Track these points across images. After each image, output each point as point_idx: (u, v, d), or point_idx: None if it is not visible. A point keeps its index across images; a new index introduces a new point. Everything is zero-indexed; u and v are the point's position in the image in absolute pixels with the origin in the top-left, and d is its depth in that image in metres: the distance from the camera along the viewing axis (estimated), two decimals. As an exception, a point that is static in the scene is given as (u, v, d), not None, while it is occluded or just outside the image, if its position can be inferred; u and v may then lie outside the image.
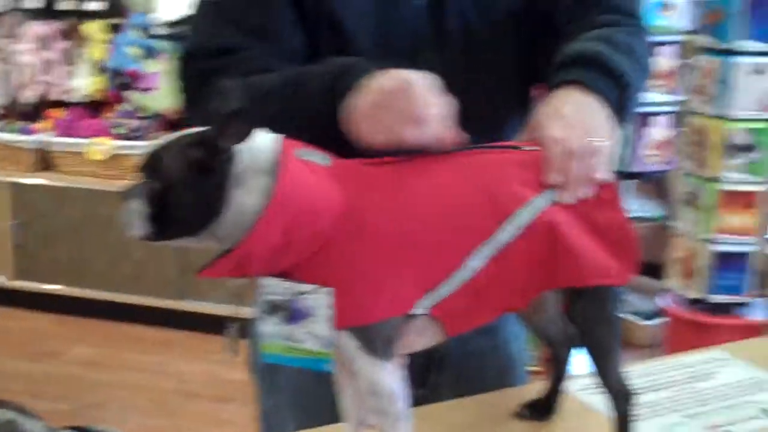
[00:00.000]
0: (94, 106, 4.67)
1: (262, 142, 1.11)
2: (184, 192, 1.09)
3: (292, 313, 1.10)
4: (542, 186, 1.18)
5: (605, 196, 1.21)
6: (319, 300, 1.09)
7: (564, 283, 1.20)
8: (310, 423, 1.38)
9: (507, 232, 1.15)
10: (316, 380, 1.34)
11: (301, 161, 1.11)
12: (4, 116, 4.80)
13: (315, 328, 1.10)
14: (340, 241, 1.10)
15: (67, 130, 4.51)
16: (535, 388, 1.44)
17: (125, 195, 1.12)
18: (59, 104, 4.72)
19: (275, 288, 1.11)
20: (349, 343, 1.12)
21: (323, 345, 1.11)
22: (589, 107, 1.24)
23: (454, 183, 1.16)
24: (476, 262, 1.15)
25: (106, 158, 4.40)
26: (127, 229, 1.12)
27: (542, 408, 1.41)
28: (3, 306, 4.63)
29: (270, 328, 1.12)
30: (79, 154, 4.45)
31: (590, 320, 1.22)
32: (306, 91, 1.27)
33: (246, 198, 1.09)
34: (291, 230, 1.08)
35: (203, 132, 1.09)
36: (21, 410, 1.09)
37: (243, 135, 1.07)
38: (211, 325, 4.45)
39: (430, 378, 1.49)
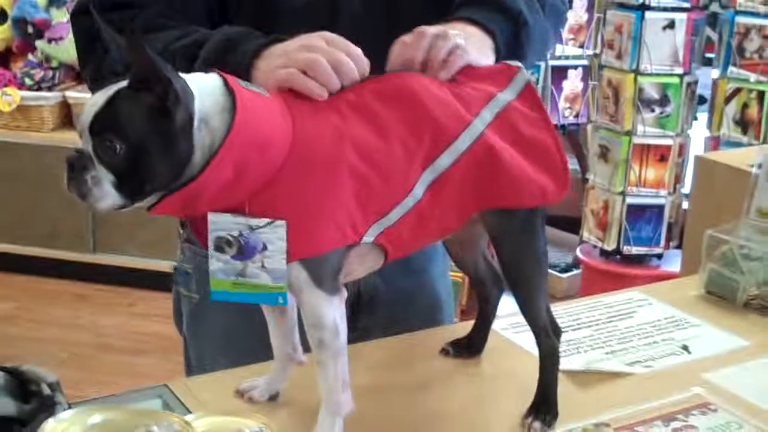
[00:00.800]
0: (0, 57, 4.53)
1: (208, 80, 1.08)
2: (151, 145, 1.03)
3: (244, 249, 1.08)
4: (477, 108, 1.18)
5: (534, 112, 1.22)
6: (272, 233, 1.08)
7: (500, 203, 1.19)
8: (238, 364, 1.38)
9: (448, 157, 1.16)
10: (242, 321, 1.34)
11: (250, 92, 1.09)
12: None
13: (268, 262, 1.09)
14: (290, 173, 1.08)
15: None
16: (463, 327, 1.46)
17: (77, 165, 1.04)
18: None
19: (225, 224, 1.08)
20: (299, 275, 1.10)
21: (276, 279, 1.09)
22: (463, 29, 1.26)
23: (393, 110, 1.15)
24: (420, 188, 1.15)
25: (14, 109, 4.28)
26: (93, 202, 1.03)
27: (469, 346, 1.43)
28: None
29: (220, 265, 1.09)
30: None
31: (518, 256, 1.23)
32: (200, 59, 1.25)
33: (212, 138, 1.05)
34: (244, 164, 1.06)
35: (136, 76, 1.03)
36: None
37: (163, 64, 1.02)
38: (126, 278, 4.42)
39: (361, 320, 1.50)
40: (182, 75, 1.06)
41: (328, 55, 1.15)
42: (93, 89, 1.31)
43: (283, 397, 1.27)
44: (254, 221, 1.08)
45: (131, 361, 3.76)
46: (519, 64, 1.24)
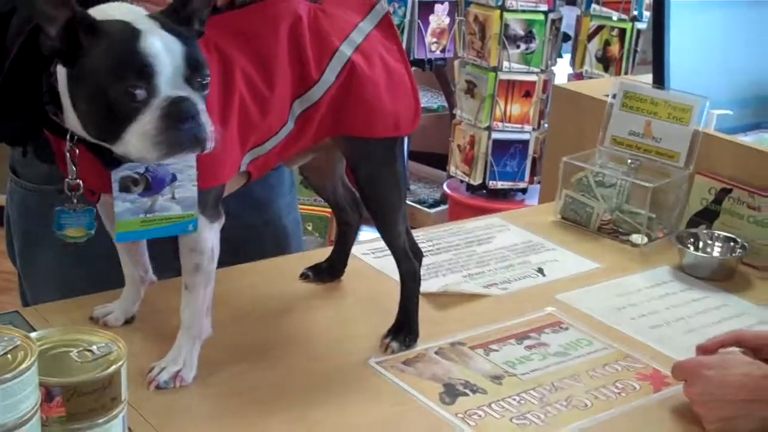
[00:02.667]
0: None
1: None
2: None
3: (151, 184, 1.04)
4: (344, 35, 1.18)
5: (392, 45, 1.23)
6: (182, 162, 1.04)
7: (356, 131, 1.20)
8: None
9: (319, 89, 1.16)
10: (72, 256, 1.31)
11: None
12: None
13: (179, 192, 1.06)
14: None
15: None
16: (322, 253, 1.47)
17: (193, 110, 0.98)
18: None
19: (130, 162, 1.03)
20: None
21: (187, 207, 1.07)
22: None
23: (268, 42, 1.14)
24: (291, 120, 1.16)
25: None
26: (207, 146, 0.99)
27: (329, 270, 1.44)
28: None
29: (126, 205, 1.05)
30: None
31: (376, 179, 1.24)
32: None
33: None
34: None
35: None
36: None
37: None
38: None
39: None
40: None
41: None
42: None
43: (137, 322, 1.26)
44: None
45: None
46: None
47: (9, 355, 0.74)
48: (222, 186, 1.13)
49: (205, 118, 0.98)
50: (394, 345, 1.25)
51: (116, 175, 1.03)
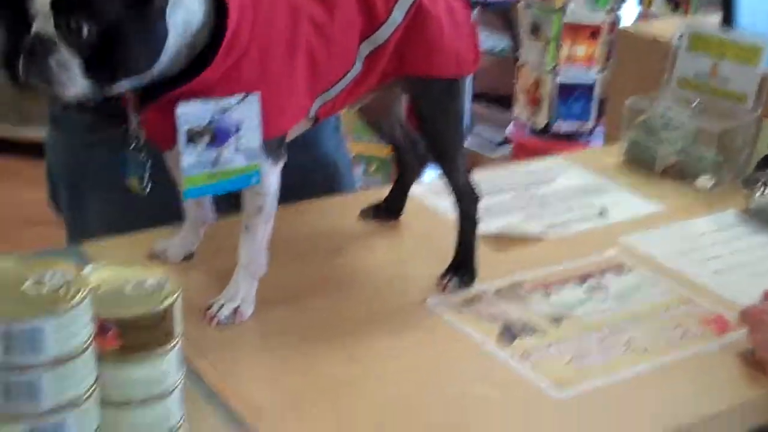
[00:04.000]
0: None
1: None
2: (125, 27, 0.95)
3: (216, 134, 1.03)
4: None
5: None
6: (246, 110, 1.03)
7: (421, 70, 1.19)
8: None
9: (386, 29, 1.14)
10: (123, 202, 1.30)
11: None
12: None
13: (242, 142, 1.05)
14: (254, 50, 1.04)
15: None
16: (380, 192, 1.46)
17: (38, 50, 0.94)
18: None
19: (195, 113, 1.02)
20: None
21: (251, 157, 1.06)
22: None
23: None
24: (359, 61, 1.14)
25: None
26: (59, 89, 0.95)
27: (387, 209, 1.43)
28: None
29: (193, 158, 1.03)
30: None
31: (437, 115, 1.23)
32: None
33: (187, 22, 1.00)
34: (235, 41, 1.02)
35: None
36: None
37: None
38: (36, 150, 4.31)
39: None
40: None
41: None
42: None
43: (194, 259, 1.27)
44: (226, 102, 1.03)
45: (55, 233, 3.71)
46: None
47: (62, 290, 0.74)
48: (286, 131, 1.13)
49: (54, 59, 0.94)
50: (452, 284, 1.24)
51: (182, 127, 1.02)
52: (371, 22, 1.14)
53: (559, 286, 1.26)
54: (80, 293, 0.74)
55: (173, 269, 1.23)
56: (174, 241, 1.27)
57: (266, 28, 1.06)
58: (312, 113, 1.15)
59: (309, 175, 1.53)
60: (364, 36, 1.14)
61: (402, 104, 1.35)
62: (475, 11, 3.98)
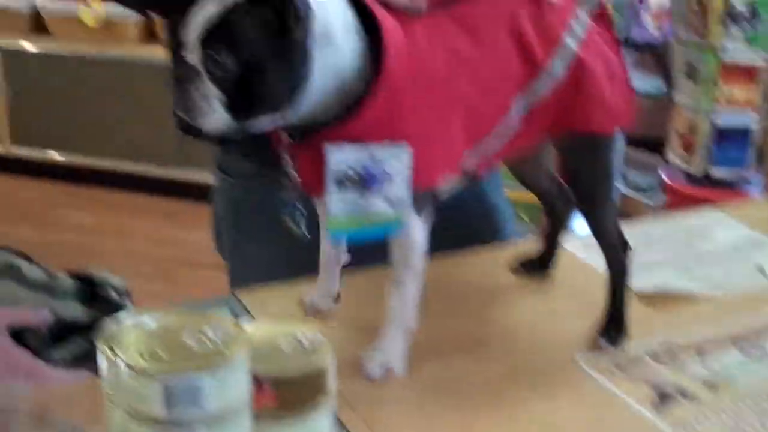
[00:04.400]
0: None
1: (331, 0, 1.03)
2: (266, 63, 0.97)
3: (365, 181, 1.04)
4: (566, 26, 1.15)
5: (608, 34, 1.19)
6: (396, 160, 1.04)
7: (578, 127, 1.18)
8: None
9: (544, 81, 1.14)
10: (281, 248, 1.33)
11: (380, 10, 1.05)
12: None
13: (390, 190, 1.05)
14: (409, 99, 1.04)
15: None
16: (530, 244, 1.45)
17: (183, 79, 0.98)
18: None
19: (346, 157, 1.03)
20: None
21: (397, 207, 1.06)
22: None
23: (493, 32, 1.12)
24: (515, 115, 1.14)
25: (100, 23, 4.32)
26: (199, 119, 0.98)
27: (538, 262, 1.41)
28: (3, 173, 4.63)
29: (339, 202, 1.05)
30: (72, 18, 4.36)
31: (589, 170, 1.22)
32: None
33: (337, 60, 1.02)
34: (396, 92, 1.03)
35: None
36: (23, 255, 1.09)
37: None
38: (210, 194, 4.44)
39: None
40: None
41: None
42: None
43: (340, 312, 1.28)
44: (378, 149, 1.04)
45: (217, 275, 3.82)
46: None
47: (222, 345, 0.76)
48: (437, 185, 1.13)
49: (196, 89, 0.96)
50: (603, 342, 1.22)
51: (332, 169, 1.04)
52: (530, 75, 1.13)
53: (715, 349, 1.23)
54: (238, 349, 0.77)
55: (325, 322, 1.25)
56: (317, 289, 1.28)
57: (423, 78, 1.06)
58: (468, 167, 1.15)
59: (466, 208, 1.52)
60: (521, 89, 1.13)
61: (549, 153, 1.33)
62: (628, 51, 3.89)
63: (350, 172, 1.04)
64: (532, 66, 1.13)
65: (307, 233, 1.15)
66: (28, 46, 4.47)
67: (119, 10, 4.25)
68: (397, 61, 1.03)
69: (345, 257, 1.27)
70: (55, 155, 4.56)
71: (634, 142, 4.52)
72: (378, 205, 1.06)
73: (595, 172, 1.22)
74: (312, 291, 1.29)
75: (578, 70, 1.14)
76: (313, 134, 1.05)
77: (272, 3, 0.96)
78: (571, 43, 1.14)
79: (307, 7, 0.99)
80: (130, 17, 4.29)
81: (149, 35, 4.37)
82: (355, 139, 1.04)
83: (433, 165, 1.09)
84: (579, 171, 1.22)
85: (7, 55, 4.49)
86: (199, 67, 0.97)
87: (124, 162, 4.46)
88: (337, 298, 1.28)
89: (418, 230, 1.12)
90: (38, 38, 4.48)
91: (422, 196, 1.10)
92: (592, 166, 1.21)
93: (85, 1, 4.31)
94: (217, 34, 0.96)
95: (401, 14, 1.08)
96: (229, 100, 0.97)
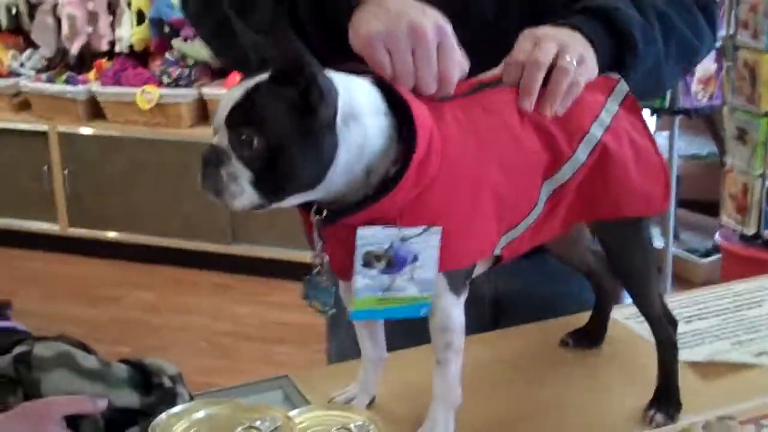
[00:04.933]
0: (138, 56, 4.68)
1: (357, 78, 1.06)
2: (292, 142, 0.99)
3: (393, 262, 1.05)
4: (594, 114, 1.16)
5: (638, 122, 1.20)
6: (424, 243, 1.04)
7: (607, 213, 1.19)
8: None
9: (569, 168, 1.15)
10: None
11: (411, 96, 1.06)
12: (51, 68, 4.84)
13: (418, 272, 1.05)
14: (440, 182, 1.05)
15: (113, 80, 4.54)
16: (579, 318, 1.44)
17: (212, 160, 1.00)
18: (104, 55, 4.74)
19: (376, 237, 1.04)
20: (438, 282, 1.08)
21: (424, 289, 1.07)
22: (570, 35, 1.19)
23: (518, 121, 1.13)
24: (542, 200, 1.15)
25: (154, 107, 4.42)
26: (228, 199, 1.00)
27: (588, 336, 1.41)
28: (59, 252, 4.72)
29: (366, 281, 1.05)
30: (127, 103, 4.47)
31: (625, 250, 1.22)
32: None
33: (363, 140, 1.03)
34: (422, 171, 1.03)
35: (279, 70, 1.00)
36: (77, 344, 1.11)
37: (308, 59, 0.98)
38: (264, 268, 4.51)
39: (502, 324, 1.51)
40: (329, 72, 1.03)
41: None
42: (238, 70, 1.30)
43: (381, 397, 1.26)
44: (407, 231, 1.04)
45: (270, 349, 3.85)
46: (617, 75, 1.21)
47: (272, 435, 0.78)
48: (473, 265, 1.13)
49: (225, 170, 0.99)
50: (659, 417, 1.21)
51: (360, 249, 1.04)
52: (554, 161, 1.14)
53: (771, 420, 1.21)
54: (288, 439, 0.78)
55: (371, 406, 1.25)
56: (355, 387, 1.25)
57: (454, 161, 1.07)
58: (498, 251, 1.14)
59: (555, 307, 1.52)
60: (547, 174, 1.14)
61: (586, 231, 1.33)
62: (679, 117, 3.90)
63: (379, 252, 1.04)
64: (556, 154, 1.14)
65: (330, 312, 1.14)
66: (85, 130, 4.58)
67: (172, 93, 4.39)
68: (428, 147, 1.04)
69: (385, 356, 1.25)
70: (110, 234, 4.64)
71: (688, 204, 4.50)
72: (405, 287, 1.06)
73: (632, 251, 1.22)
74: (346, 392, 1.25)
75: (603, 157, 1.15)
76: (343, 214, 1.06)
77: (297, 83, 0.99)
78: (596, 131, 1.15)
79: (331, 85, 1.01)
80: (182, 99, 4.39)
81: (201, 117, 4.47)
82: (387, 220, 1.04)
83: (464, 248, 1.09)
84: (616, 253, 1.23)
85: (64, 139, 4.61)
86: (227, 148, 1.00)
87: (178, 239, 4.53)
88: (373, 400, 1.25)
89: (455, 309, 1.11)
90: (95, 122, 4.60)
91: (457, 275, 1.10)
92: (628, 247, 1.22)
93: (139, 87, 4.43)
94: (243, 115, 0.99)
95: (429, 99, 1.10)
96: (256, 179, 0.99)
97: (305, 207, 1.08)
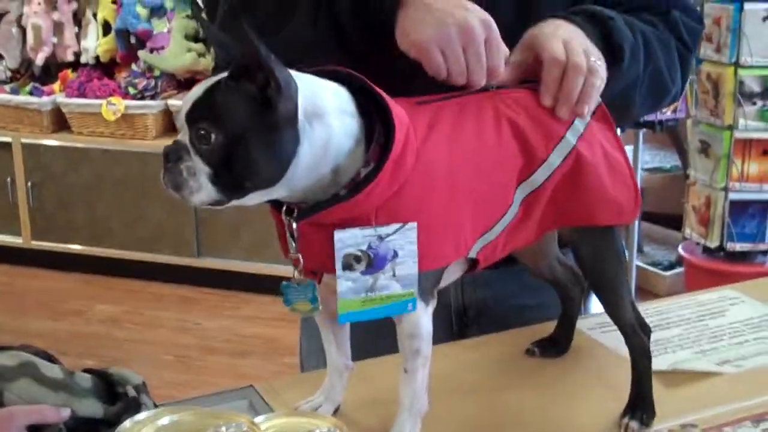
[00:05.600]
0: (104, 67, 4.66)
1: (321, 79, 1.06)
2: (250, 137, 0.99)
3: (374, 261, 1.05)
4: (567, 124, 1.18)
5: (609, 134, 1.21)
6: (403, 239, 1.05)
7: (580, 220, 1.20)
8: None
9: (543, 172, 1.16)
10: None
11: (386, 97, 1.07)
12: (16, 78, 4.80)
13: (399, 269, 1.06)
14: (415, 182, 1.06)
15: (79, 91, 4.52)
16: (546, 327, 1.45)
17: (172, 155, 1.01)
18: (69, 66, 4.71)
19: (353, 239, 1.04)
20: None
21: (407, 285, 1.07)
22: (578, 33, 1.22)
23: (494, 124, 1.14)
24: (516, 203, 1.16)
25: (119, 118, 4.40)
26: (187, 195, 1.00)
27: (554, 345, 1.42)
28: (23, 266, 4.68)
29: (348, 284, 1.05)
30: (93, 114, 4.45)
31: (598, 259, 1.23)
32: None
33: (328, 139, 1.03)
34: (397, 170, 1.04)
35: (238, 66, 1.00)
36: (41, 353, 1.10)
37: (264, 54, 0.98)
38: (231, 281, 4.50)
39: (470, 333, 1.51)
40: (293, 71, 1.03)
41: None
42: None
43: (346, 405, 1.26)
44: (384, 230, 1.05)
45: (235, 363, 3.84)
46: None
47: (237, 441, 0.78)
48: (442, 270, 1.13)
49: (184, 165, 1.00)
50: (634, 425, 1.21)
51: (339, 252, 1.04)
52: (529, 164, 1.15)
53: (733, 427, 1.22)
54: (253, 445, 0.78)
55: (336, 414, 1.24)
56: (321, 396, 1.24)
57: (429, 161, 1.08)
58: (473, 254, 1.15)
59: (527, 318, 1.52)
60: (521, 177, 1.15)
61: (553, 241, 1.35)
62: (643, 131, 3.94)
63: (358, 254, 1.05)
64: (531, 157, 1.15)
65: (317, 309, 1.14)
66: (49, 141, 4.55)
67: (138, 104, 4.37)
68: (403, 143, 1.05)
69: (350, 366, 1.25)
70: (74, 247, 4.61)
71: (652, 217, 4.54)
72: (387, 285, 1.07)
73: (604, 260, 1.23)
74: (311, 401, 1.23)
75: (577, 164, 1.17)
76: (312, 212, 1.06)
77: (253, 77, 0.99)
78: (571, 137, 1.17)
79: (290, 79, 1.01)
80: (148, 111, 4.37)
81: (167, 128, 4.45)
82: (362, 220, 1.05)
83: (439, 248, 1.10)
84: (588, 261, 1.24)
85: (28, 150, 4.57)
86: (188, 144, 1.01)
87: (144, 252, 4.50)
88: (338, 408, 1.24)
89: (423, 316, 1.12)
90: (60, 134, 4.57)
91: (426, 281, 1.10)
92: (600, 257, 1.23)
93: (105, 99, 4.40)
94: (202, 111, 1.00)
95: (406, 101, 1.11)
96: (215, 174, 1.00)
97: (277, 207, 1.08)
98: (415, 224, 1.06)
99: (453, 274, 1.18)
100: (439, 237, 1.09)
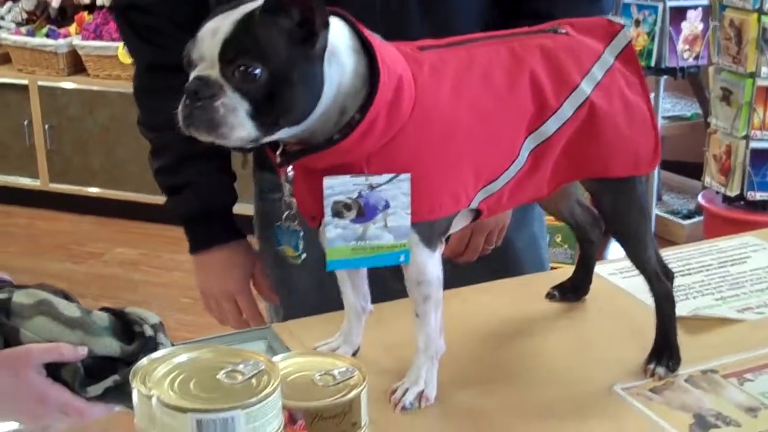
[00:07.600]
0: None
1: (332, 20, 1.02)
2: (294, 73, 0.97)
3: (364, 210, 1.04)
4: (587, 65, 1.15)
5: (633, 76, 1.18)
6: (395, 189, 1.03)
7: (595, 173, 1.18)
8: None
9: (554, 123, 1.13)
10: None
11: (378, 39, 1.05)
12: (32, 20, 4.78)
13: (391, 219, 1.05)
14: (411, 131, 1.04)
15: (95, 34, 4.49)
16: (566, 272, 1.44)
17: (204, 92, 0.96)
18: (85, 8, 4.68)
19: (343, 186, 1.03)
20: (410, 236, 1.07)
21: (399, 236, 1.06)
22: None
23: (509, 71, 1.12)
24: (524, 154, 1.13)
25: (138, 61, 4.36)
26: (226, 133, 0.96)
27: (574, 289, 1.41)
28: (41, 208, 4.69)
29: (338, 231, 1.04)
30: (109, 57, 4.42)
31: (620, 209, 1.21)
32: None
33: (341, 77, 1.01)
34: (391, 117, 1.02)
35: (271, 1, 0.97)
36: (57, 292, 1.09)
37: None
38: (247, 225, 4.46)
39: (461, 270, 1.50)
40: None
41: None
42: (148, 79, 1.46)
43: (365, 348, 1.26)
44: (376, 179, 1.03)
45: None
46: (622, 21, 1.20)
47: (254, 380, 0.77)
48: (447, 221, 1.12)
49: (220, 102, 0.95)
50: (660, 370, 1.20)
51: (329, 199, 1.03)
52: (540, 114, 1.12)
53: (755, 373, 1.21)
54: (271, 384, 0.77)
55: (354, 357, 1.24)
56: (339, 338, 1.25)
57: (428, 110, 1.05)
58: (475, 204, 1.13)
59: (515, 251, 1.53)
60: (531, 128, 1.12)
61: (577, 186, 1.32)
62: (664, 78, 3.88)
63: (348, 202, 1.03)
64: (542, 106, 1.12)
65: (302, 258, 1.15)
66: (66, 84, 4.53)
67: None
68: (394, 89, 1.02)
69: (369, 308, 1.25)
70: (92, 190, 4.61)
71: (671, 166, 4.50)
72: (379, 235, 1.05)
73: (628, 210, 1.21)
74: (330, 342, 1.25)
75: (591, 116, 1.14)
76: (305, 156, 1.04)
77: (294, 11, 0.96)
78: (586, 86, 1.14)
79: (329, 14, 0.99)
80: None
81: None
82: (353, 167, 1.03)
83: (435, 199, 1.08)
84: (611, 212, 1.22)
85: (45, 93, 4.55)
86: (221, 80, 0.97)
87: (159, 196, 4.48)
88: (357, 350, 1.25)
89: (430, 262, 1.11)
90: (76, 77, 4.54)
91: (429, 228, 1.09)
92: (622, 206, 1.21)
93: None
94: (241, 45, 0.96)
95: (409, 47, 1.09)
96: (255, 111, 0.96)
97: (272, 149, 1.07)
98: (408, 175, 1.04)
99: (459, 222, 1.16)
100: (436, 188, 1.07)
